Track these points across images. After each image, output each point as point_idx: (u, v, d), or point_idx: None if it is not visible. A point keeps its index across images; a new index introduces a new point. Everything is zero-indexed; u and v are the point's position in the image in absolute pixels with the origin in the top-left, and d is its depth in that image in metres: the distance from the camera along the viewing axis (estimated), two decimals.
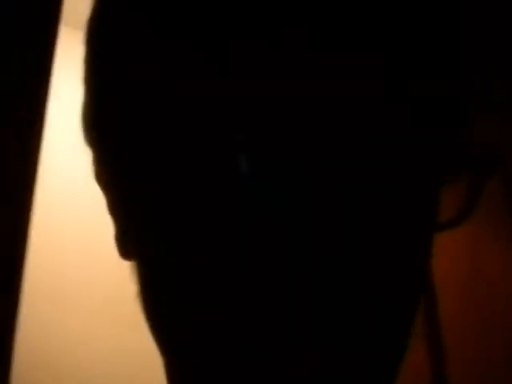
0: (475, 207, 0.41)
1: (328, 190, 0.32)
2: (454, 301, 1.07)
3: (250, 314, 0.33)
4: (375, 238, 0.34)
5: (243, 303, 0.33)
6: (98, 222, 2.35)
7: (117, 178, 0.38)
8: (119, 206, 0.39)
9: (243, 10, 0.33)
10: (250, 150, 0.32)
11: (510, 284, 1.07)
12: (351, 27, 0.33)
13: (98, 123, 0.39)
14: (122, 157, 0.37)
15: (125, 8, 0.38)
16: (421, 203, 0.36)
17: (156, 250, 0.36)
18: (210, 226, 0.33)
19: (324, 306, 0.33)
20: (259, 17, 0.33)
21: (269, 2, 0.33)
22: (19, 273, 1.10)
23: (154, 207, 0.35)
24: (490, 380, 1.03)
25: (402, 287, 0.36)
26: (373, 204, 0.33)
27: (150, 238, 0.36)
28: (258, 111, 0.32)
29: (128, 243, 0.39)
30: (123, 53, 0.37)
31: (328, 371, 0.33)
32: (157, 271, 0.36)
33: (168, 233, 0.34)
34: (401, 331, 0.37)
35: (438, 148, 0.36)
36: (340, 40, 0.33)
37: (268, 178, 0.32)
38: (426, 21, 0.35)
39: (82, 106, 0.41)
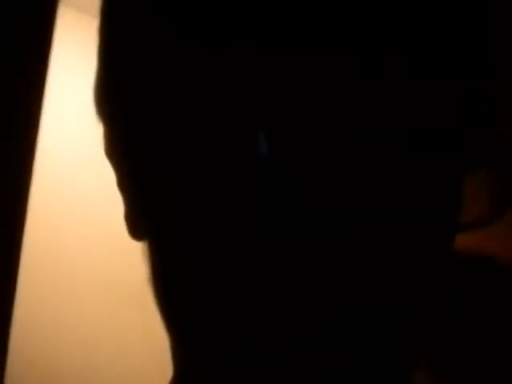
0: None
1: (349, 181, 0.31)
2: None
3: (256, 309, 0.32)
4: (386, 236, 0.33)
5: (253, 295, 0.32)
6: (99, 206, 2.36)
7: (131, 151, 0.36)
8: (131, 182, 0.37)
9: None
10: (270, 129, 0.31)
11: None
12: (377, 26, 0.33)
13: (113, 95, 0.37)
14: (137, 128, 0.35)
15: None
16: (443, 200, 0.35)
17: (172, 227, 0.34)
18: (230, 204, 0.32)
19: (326, 305, 0.32)
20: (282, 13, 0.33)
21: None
22: (16, 257, 1.09)
23: (169, 181, 0.34)
24: None
25: (410, 292, 0.35)
26: (392, 197, 0.32)
27: (166, 215, 0.34)
28: (281, 96, 0.32)
29: (140, 222, 0.37)
30: (141, 25, 0.36)
31: (328, 371, 0.32)
32: (172, 251, 0.35)
33: (186, 210, 0.33)
34: (404, 334, 0.35)
35: (463, 142, 0.35)
36: (368, 40, 0.33)
37: (288, 161, 0.31)
38: (451, 19, 0.34)
39: (95, 78, 0.39)
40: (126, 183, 0.38)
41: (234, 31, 0.33)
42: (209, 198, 0.33)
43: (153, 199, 0.36)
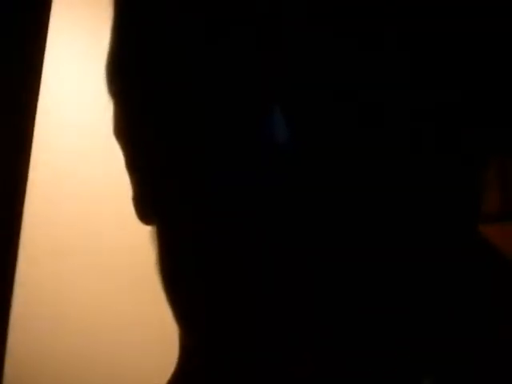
0: None
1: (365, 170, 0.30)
2: None
3: (259, 308, 0.32)
4: (401, 233, 0.32)
5: (256, 295, 0.32)
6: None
7: (142, 131, 0.35)
8: (141, 163, 0.36)
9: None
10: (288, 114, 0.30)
11: None
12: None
13: (125, 73, 0.37)
14: (148, 107, 0.34)
15: None
16: (465, 192, 0.34)
17: (181, 211, 0.33)
18: (241, 191, 0.30)
19: (326, 305, 0.31)
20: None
21: None
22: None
23: (182, 164, 0.33)
24: None
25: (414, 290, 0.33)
26: (411, 191, 0.31)
27: (175, 199, 0.34)
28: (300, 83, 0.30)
29: (148, 205, 0.37)
30: (157, 5, 0.34)
31: (328, 371, 0.31)
32: (180, 233, 0.34)
33: (197, 196, 0.32)
34: (407, 332, 0.34)
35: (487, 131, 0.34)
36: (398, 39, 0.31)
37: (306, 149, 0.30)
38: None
39: (107, 56, 0.38)
40: (134, 164, 0.38)
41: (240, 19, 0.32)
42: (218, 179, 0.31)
43: (159, 184, 0.35)
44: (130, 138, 0.37)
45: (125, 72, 0.37)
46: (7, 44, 1.09)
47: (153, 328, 2.31)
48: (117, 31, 0.38)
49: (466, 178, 0.34)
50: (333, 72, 0.30)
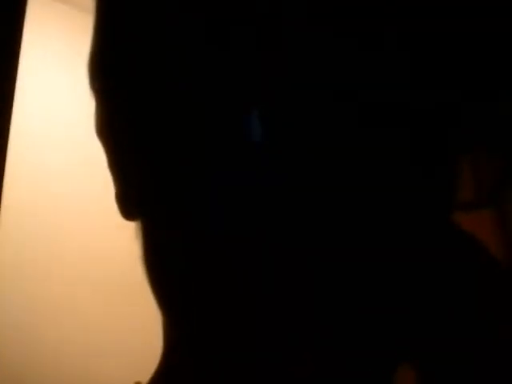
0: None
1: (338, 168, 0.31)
2: None
3: (254, 307, 0.32)
4: (382, 230, 0.32)
5: (251, 293, 0.32)
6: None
7: (123, 130, 0.36)
8: (122, 162, 0.37)
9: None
10: (263, 115, 0.31)
11: None
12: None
13: (108, 71, 0.37)
14: (132, 106, 0.35)
15: None
16: (436, 180, 0.36)
17: (162, 208, 0.34)
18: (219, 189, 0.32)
19: (325, 304, 0.32)
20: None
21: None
22: None
23: (163, 162, 0.34)
24: None
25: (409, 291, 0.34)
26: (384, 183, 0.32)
27: (155, 195, 0.35)
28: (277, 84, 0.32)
29: (131, 202, 0.37)
30: (138, 7, 0.35)
31: (328, 371, 0.32)
32: (163, 228, 0.35)
33: (177, 192, 0.33)
34: (402, 336, 0.35)
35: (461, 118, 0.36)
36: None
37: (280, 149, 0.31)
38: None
39: (90, 54, 0.39)
40: (116, 163, 0.38)
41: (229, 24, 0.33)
42: (198, 176, 0.33)
43: (140, 182, 0.36)
44: (114, 137, 0.37)
45: (110, 70, 0.37)
46: None
47: (131, 330, 2.29)
48: (103, 28, 0.38)
49: (439, 171, 0.35)
50: (332, 72, 0.31)
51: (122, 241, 2.39)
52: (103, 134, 0.38)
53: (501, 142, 0.37)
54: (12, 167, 1.27)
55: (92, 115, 0.39)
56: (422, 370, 0.33)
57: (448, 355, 0.33)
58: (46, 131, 2.36)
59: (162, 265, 0.35)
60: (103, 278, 2.34)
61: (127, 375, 2.04)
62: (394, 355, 0.34)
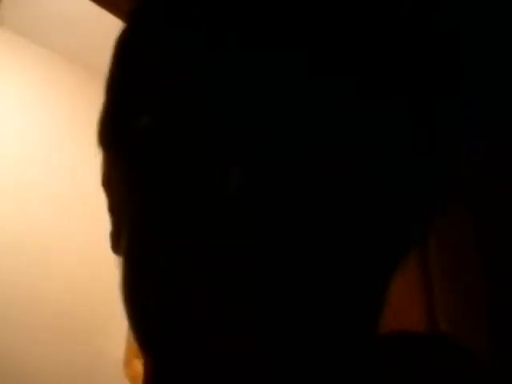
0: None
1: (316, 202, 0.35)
2: None
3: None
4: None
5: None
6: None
7: (127, 183, 0.39)
8: (118, 208, 0.41)
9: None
10: (242, 163, 0.34)
11: None
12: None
13: (115, 130, 0.40)
14: (132, 165, 0.38)
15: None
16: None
17: (142, 247, 0.38)
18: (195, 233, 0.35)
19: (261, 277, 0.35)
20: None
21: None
22: None
23: (146, 213, 0.37)
24: None
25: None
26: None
27: (137, 238, 0.38)
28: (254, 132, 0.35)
29: (119, 240, 0.41)
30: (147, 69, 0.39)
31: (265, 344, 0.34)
32: (139, 267, 0.38)
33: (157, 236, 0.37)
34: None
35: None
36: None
37: (260, 192, 0.34)
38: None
39: (101, 111, 0.42)
40: (113, 208, 0.43)
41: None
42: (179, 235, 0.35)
43: (127, 226, 0.39)
44: (113, 188, 0.42)
45: (114, 130, 0.40)
46: None
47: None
48: (111, 91, 0.42)
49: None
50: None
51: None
52: (108, 185, 0.43)
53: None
54: None
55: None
56: None
57: None
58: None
59: (136, 294, 0.38)
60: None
61: None
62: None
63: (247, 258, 0.33)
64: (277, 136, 0.34)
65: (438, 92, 0.38)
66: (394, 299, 0.40)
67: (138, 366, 1.99)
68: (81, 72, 2.63)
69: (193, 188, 0.35)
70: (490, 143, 0.92)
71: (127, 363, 2.05)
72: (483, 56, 0.41)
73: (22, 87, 2.52)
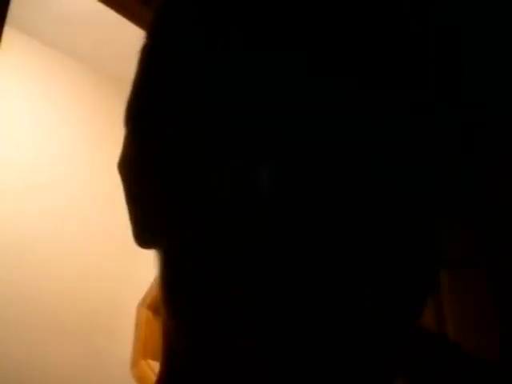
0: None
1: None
2: None
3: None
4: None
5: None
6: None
7: (149, 166, 0.38)
8: (146, 200, 0.39)
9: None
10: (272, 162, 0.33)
11: None
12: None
13: (141, 115, 0.40)
14: (156, 152, 0.37)
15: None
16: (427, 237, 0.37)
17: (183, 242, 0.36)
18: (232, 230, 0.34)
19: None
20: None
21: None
22: None
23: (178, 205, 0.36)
24: None
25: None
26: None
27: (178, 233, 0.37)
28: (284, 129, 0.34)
29: (146, 238, 0.39)
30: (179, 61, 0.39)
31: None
32: (176, 261, 0.37)
33: (197, 235, 0.35)
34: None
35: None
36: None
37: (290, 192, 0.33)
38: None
39: (129, 95, 0.41)
40: (136, 199, 0.40)
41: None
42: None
43: (162, 220, 0.38)
44: (133, 176, 0.40)
45: (139, 115, 0.40)
46: None
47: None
48: (142, 77, 0.40)
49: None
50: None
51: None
52: (125, 170, 0.41)
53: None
54: None
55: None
56: None
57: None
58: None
59: (176, 291, 0.37)
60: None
61: None
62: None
63: (268, 256, 0.33)
64: (303, 135, 0.34)
65: (438, 92, 0.38)
66: None
67: (145, 366, 2.01)
68: (89, 73, 2.65)
69: (224, 189, 0.34)
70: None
71: (134, 364, 2.06)
72: (483, 56, 0.41)
73: (29, 86, 2.54)
